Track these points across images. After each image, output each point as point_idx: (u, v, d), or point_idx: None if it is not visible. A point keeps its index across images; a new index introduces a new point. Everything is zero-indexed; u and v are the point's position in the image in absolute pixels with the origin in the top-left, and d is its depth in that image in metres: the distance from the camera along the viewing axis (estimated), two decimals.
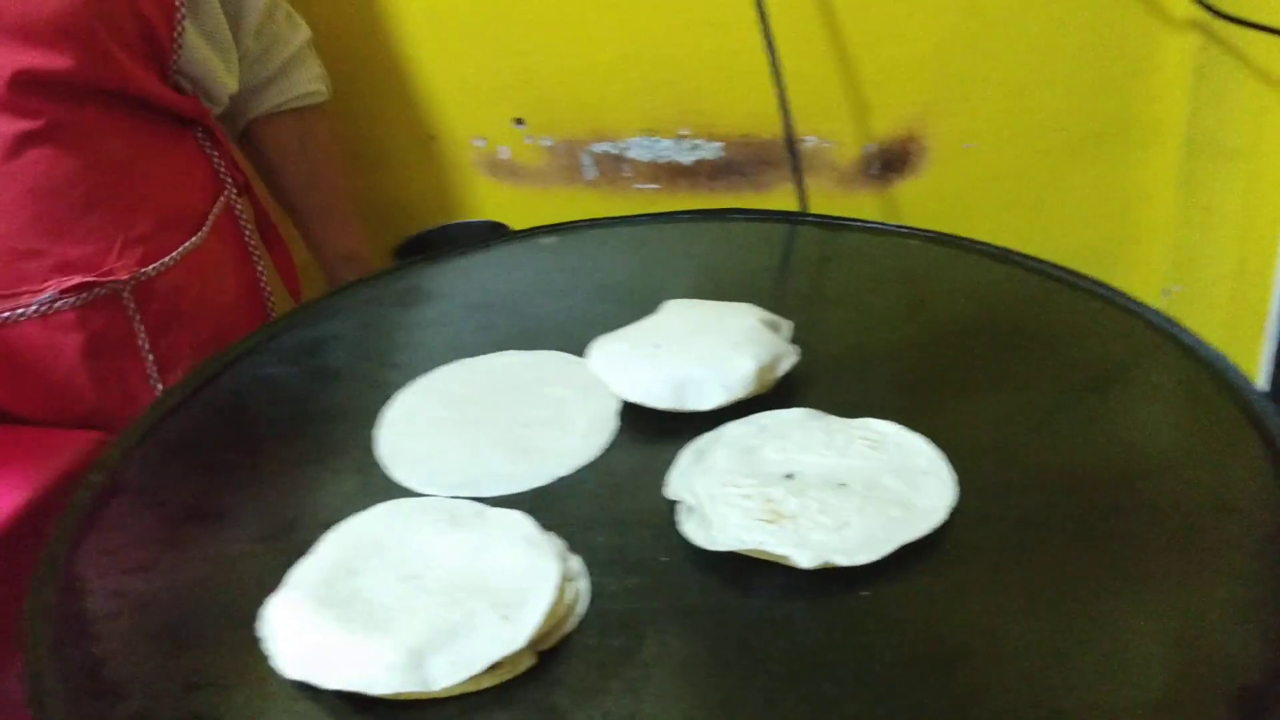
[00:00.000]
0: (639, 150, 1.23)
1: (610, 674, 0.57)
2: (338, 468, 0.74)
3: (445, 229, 1.22)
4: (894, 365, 0.81)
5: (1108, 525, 0.65)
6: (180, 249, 0.97)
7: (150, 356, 0.96)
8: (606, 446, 0.75)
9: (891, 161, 1.18)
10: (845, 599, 0.61)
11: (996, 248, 0.94)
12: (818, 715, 0.55)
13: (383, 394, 0.81)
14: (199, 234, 0.99)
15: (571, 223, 1.06)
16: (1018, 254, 0.93)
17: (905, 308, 0.89)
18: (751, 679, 0.57)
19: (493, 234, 1.19)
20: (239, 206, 1.06)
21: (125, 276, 0.92)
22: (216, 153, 1.03)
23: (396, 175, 1.31)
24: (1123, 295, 0.86)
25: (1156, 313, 0.83)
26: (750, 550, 0.63)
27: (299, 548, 0.66)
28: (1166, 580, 0.61)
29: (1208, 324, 1.03)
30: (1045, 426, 0.74)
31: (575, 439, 0.75)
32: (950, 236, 0.97)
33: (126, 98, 0.92)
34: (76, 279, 0.89)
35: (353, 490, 0.72)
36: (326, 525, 0.67)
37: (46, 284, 0.88)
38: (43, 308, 0.89)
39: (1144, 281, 1.17)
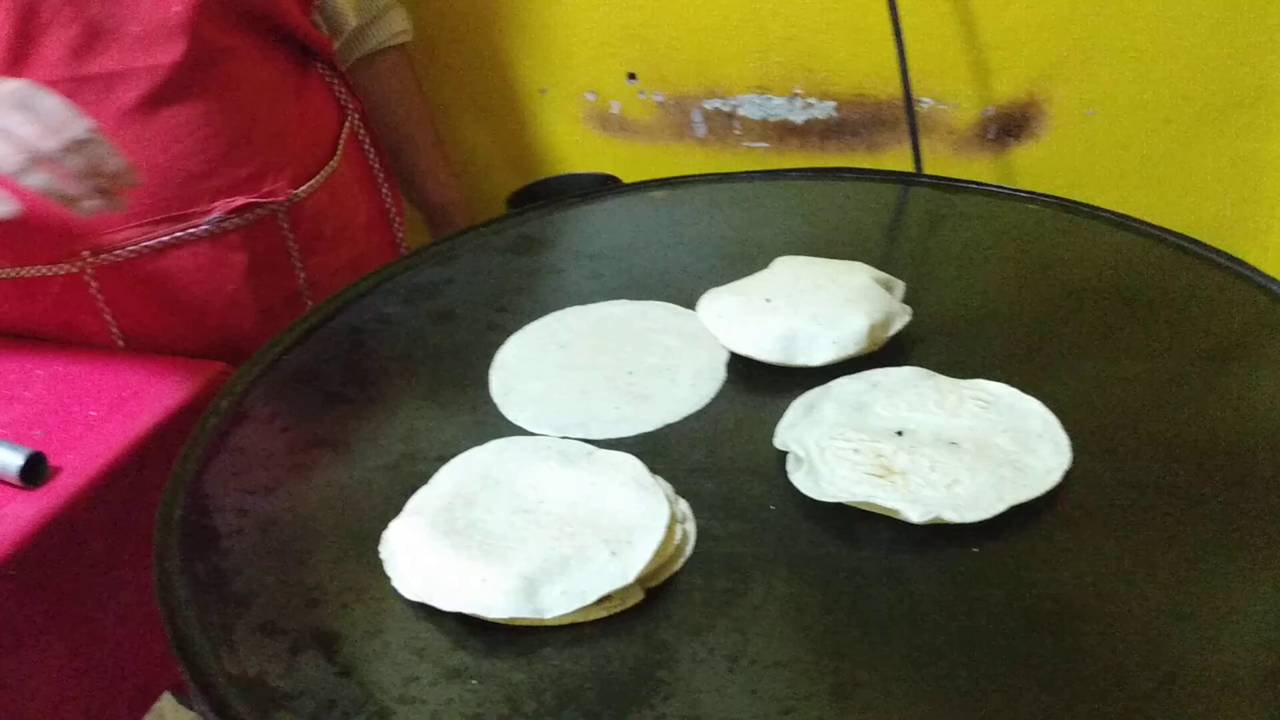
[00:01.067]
0: (750, 108, 1.23)
1: (717, 612, 0.58)
2: (452, 405, 0.76)
3: (557, 179, 1.24)
4: (1008, 328, 0.80)
5: (1224, 496, 0.64)
6: (322, 172, 1.01)
7: (302, 277, 1.00)
8: (714, 396, 0.75)
9: (1010, 126, 1.15)
10: (954, 555, 0.61)
11: (1116, 214, 0.92)
12: (924, 663, 0.55)
13: (495, 336, 0.83)
14: (335, 158, 1.04)
15: (682, 177, 1.06)
16: (1138, 221, 0.91)
17: (1021, 272, 0.88)
18: (859, 625, 0.57)
19: (603, 186, 1.20)
20: (362, 133, 1.10)
21: (283, 198, 0.97)
22: (337, 81, 1.07)
23: (509, 126, 1.32)
24: (1246, 266, 0.84)
25: None
26: (860, 503, 0.63)
27: (416, 477, 0.68)
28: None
29: None
30: (1163, 395, 0.72)
31: (684, 387, 0.76)
32: (1069, 202, 0.95)
33: (275, 29, 0.97)
34: (241, 200, 0.93)
35: (467, 426, 0.74)
36: (442, 459, 0.69)
37: (214, 205, 0.92)
38: (212, 228, 0.92)
39: (1269, 256, 1.13)
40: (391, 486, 0.68)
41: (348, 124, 1.07)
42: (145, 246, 0.91)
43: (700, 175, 1.06)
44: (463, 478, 0.67)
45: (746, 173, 1.05)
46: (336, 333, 0.86)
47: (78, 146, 0.74)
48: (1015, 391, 0.71)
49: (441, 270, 0.93)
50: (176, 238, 0.91)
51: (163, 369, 0.90)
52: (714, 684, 0.54)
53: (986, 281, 0.87)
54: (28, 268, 0.91)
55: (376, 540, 0.64)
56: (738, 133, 1.25)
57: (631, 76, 1.25)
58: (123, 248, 0.90)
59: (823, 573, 0.60)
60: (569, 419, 0.74)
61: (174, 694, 1.04)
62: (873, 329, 0.75)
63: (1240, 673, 0.53)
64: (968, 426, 0.68)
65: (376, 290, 0.91)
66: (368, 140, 1.10)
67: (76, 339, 0.95)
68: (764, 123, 1.23)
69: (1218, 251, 0.86)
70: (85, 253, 0.90)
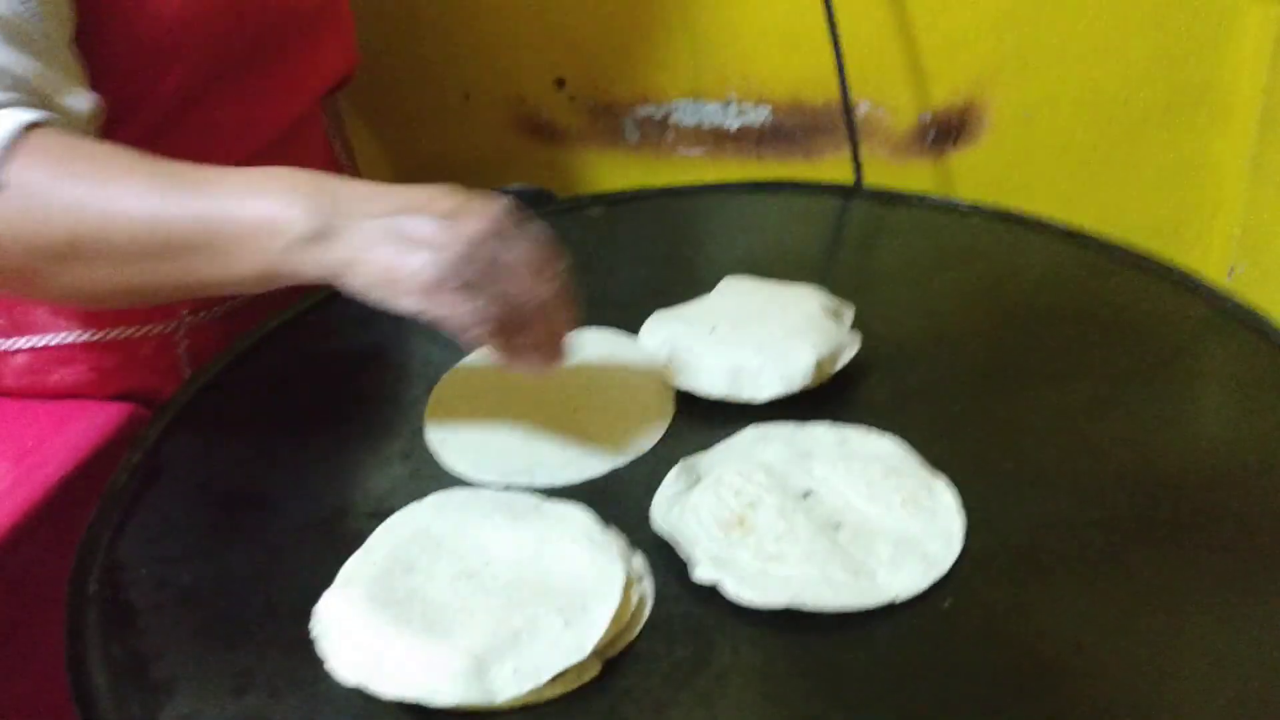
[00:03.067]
0: (683, 114, 1.19)
1: (680, 684, 0.55)
2: (386, 452, 0.72)
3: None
4: (960, 353, 0.78)
5: (1197, 533, 0.62)
6: None
7: None
8: (662, 435, 0.72)
9: (948, 130, 1.13)
10: (925, 609, 0.58)
11: (1061, 226, 0.91)
12: None
13: (429, 372, 0.78)
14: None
15: (619, 193, 1.02)
16: (1082, 233, 0.90)
17: (968, 290, 0.85)
18: (829, 693, 0.54)
19: (538, 202, 1.15)
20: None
21: None
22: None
23: (432, 134, 1.27)
24: (1197, 279, 0.82)
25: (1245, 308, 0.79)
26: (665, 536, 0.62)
27: (349, 537, 0.63)
28: (1262, 592, 0.58)
29: (1275, 304, 0.98)
30: (1122, 420, 0.70)
31: (631, 425, 0.72)
32: (1013, 214, 0.93)
33: None
34: None
35: (402, 476, 0.70)
36: (376, 514, 0.65)
37: None
38: None
39: (1209, 260, 1.13)
40: (323, 548, 0.64)
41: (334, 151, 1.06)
42: (242, 302, 0.87)
43: (637, 190, 1.02)
44: (400, 539, 0.62)
45: (685, 187, 1.02)
46: (257, 372, 0.81)
47: (547, 306, 0.64)
48: (957, 508, 0.64)
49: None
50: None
51: (68, 413, 0.84)
52: None
53: (934, 301, 0.84)
54: (114, 330, 0.84)
55: (308, 614, 0.59)
56: (671, 140, 1.21)
57: (560, 82, 1.20)
58: (221, 304, 0.84)
59: (788, 634, 0.57)
60: (510, 465, 0.70)
61: None
62: (820, 364, 0.72)
63: None
64: (871, 517, 0.63)
65: (300, 322, 0.85)
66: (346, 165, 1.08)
67: (145, 399, 0.87)
68: (698, 129, 1.20)
69: (1166, 264, 0.85)
70: (184, 312, 0.85)
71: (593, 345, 0.80)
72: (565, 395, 0.75)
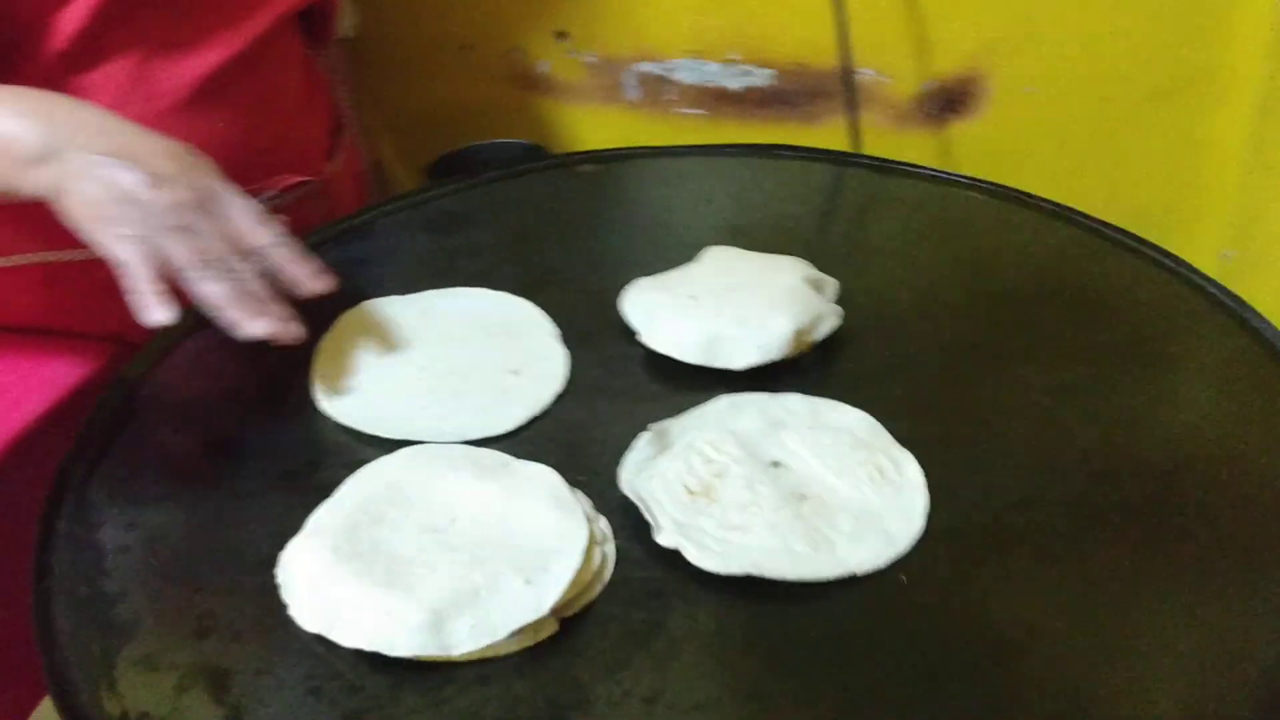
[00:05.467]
0: (685, 73, 1.18)
1: (634, 647, 0.55)
2: None
3: (480, 148, 1.18)
4: (942, 328, 0.78)
5: (1158, 517, 0.62)
6: (339, 148, 1.00)
7: None
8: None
9: (950, 101, 1.12)
10: (882, 583, 0.59)
11: (1055, 204, 0.90)
12: (852, 704, 0.53)
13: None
14: (343, 133, 1.01)
15: (611, 150, 1.01)
16: (1077, 213, 0.89)
17: (956, 266, 0.85)
18: (781, 663, 0.55)
19: (529, 157, 1.15)
20: (347, 108, 1.07)
21: (325, 175, 0.94)
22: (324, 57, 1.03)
23: (429, 85, 1.25)
24: (1185, 264, 0.82)
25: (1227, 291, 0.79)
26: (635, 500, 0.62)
27: (320, 488, 0.64)
28: (1220, 581, 0.58)
29: (1264, 291, 0.98)
30: (1097, 403, 0.70)
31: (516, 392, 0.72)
32: (1008, 189, 0.92)
33: (305, 13, 0.93)
34: (294, 178, 0.90)
35: None
36: (348, 465, 0.65)
37: (268, 182, 0.87)
38: (265, 204, 0.86)
39: (1201, 244, 1.12)
40: (291, 498, 0.64)
41: (337, 100, 1.04)
42: None
43: (630, 149, 1.01)
44: (369, 491, 0.63)
45: (678, 147, 1.01)
46: None
47: (262, 261, 0.69)
48: (922, 484, 0.64)
49: (354, 248, 0.88)
50: None
51: (46, 351, 0.84)
52: None
53: (920, 276, 0.84)
54: (71, 251, 0.82)
55: (273, 561, 0.60)
56: (672, 98, 1.20)
57: (561, 35, 1.19)
58: None
59: (745, 603, 0.58)
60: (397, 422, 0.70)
61: None
62: (798, 333, 0.72)
63: None
64: (837, 490, 0.63)
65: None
66: (349, 114, 1.07)
67: (105, 333, 0.87)
68: (699, 88, 1.19)
69: (1154, 246, 0.84)
70: None
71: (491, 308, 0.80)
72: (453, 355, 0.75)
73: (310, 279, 0.71)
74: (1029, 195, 0.91)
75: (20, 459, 0.76)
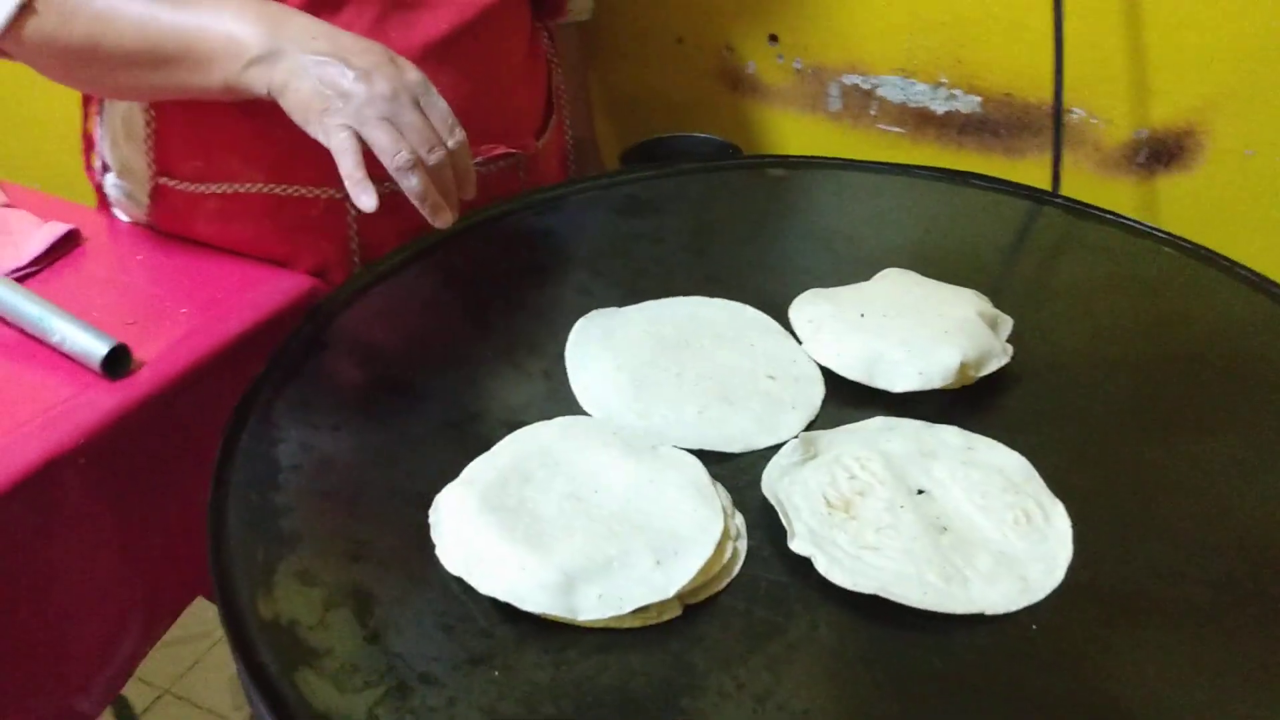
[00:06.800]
0: (890, 89, 1.18)
1: (753, 645, 0.57)
2: (526, 368, 0.75)
3: (676, 139, 1.20)
4: (1111, 384, 0.76)
5: None
6: (550, 126, 1.04)
7: None
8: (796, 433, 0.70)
9: (1161, 153, 1.08)
10: (1010, 628, 0.58)
11: (1254, 273, 0.86)
12: None
13: (584, 301, 0.81)
14: (554, 113, 1.05)
15: (804, 158, 1.02)
16: (1275, 284, 0.85)
17: (1139, 321, 0.83)
18: (896, 689, 0.55)
19: (723, 154, 1.17)
20: (561, 87, 1.09)
21: (530, 150, 0.98)
22: (546, 36, 1.06)
23: (639, 72, 1.29)
24: None
25: None
26: (776, 504, 0.63)
27: (479, 440, 0.67)
28: None
29: None
30: (1262, 485, 0.68)
31: (779, 414, 0.72)
32: (1206, 251, 0.89)
33: None
34: (501, 149, 0.95)
35: (538, 394, 0.73)
36: (507, 424, 0.69)
37: (479, 149, 0.91)
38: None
39: None
40: (452, 446, 0.68)
41: (554, 79, 1.07)
42: None
43: (823, 158, 1.02)
44: (523, 451, 0.66)
45: (871, 163, 1.01)
46: (428, 271, 0.86)
47: (453, 157, 0.76)
48: (1068, 537, 0.63)
49: (544, 219, 0.92)
50: None
51: (256, 276, 0.91)
52: None
53: (1100, 326, 0.82)
54: (292, 186, 0.91)
55: (428, 501, 0.64)
56: (874, 114, 1.20)
57: (773, 38, 1.20)
58: (391, 180, 0.91)
59: (869, 626, 0.58)
60: (639, 419, 0.70)
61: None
62: (964, 366, 0.72)
63: None
64: (980, 528, 0.63)
65: (474, 231, 0.90)
66: (564, 95, 1.10)
67: (306, 265, 0.94)
68: (903, 107, 1.18)
69: None
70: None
71: (745, 324, 0.79)
72: (712, 366, 0.75)
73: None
74: (1229, 260, 0.88)
75: (215, 371, 0.83)
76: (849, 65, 1.18)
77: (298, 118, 0.74)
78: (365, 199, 0.72)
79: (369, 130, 0.72)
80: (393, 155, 0.72)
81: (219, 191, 0.91)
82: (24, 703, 0.75)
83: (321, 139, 0.74)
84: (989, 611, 0.59)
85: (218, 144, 0.89)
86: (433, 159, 0.74)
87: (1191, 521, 0.65)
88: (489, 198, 0.92)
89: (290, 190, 0.90)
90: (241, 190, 0.91)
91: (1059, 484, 0.66)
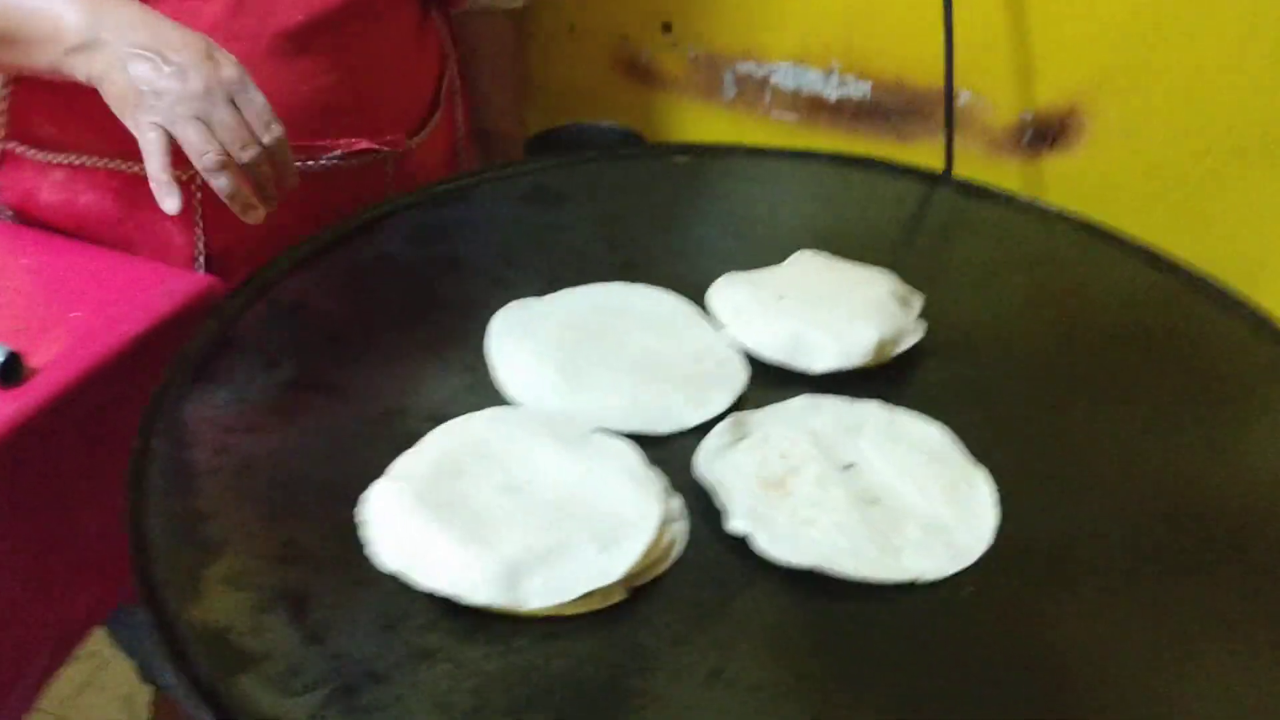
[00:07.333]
0: (784, 77, 1.19)
1: (700, 624, 0.57)
2: (450, 361, 0.74)
3: (578, 128, 1.20)
4: (1019, 357, 0.79)
5: (1225, 565, 0.63)
6: (429, 125, 1.00)
7: None
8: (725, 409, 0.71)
9: (1046, 133, 1.12)
10: (944, 595, 0.60)
11: (1140, 244, 0.90)
12: (902, 704, 0.54)
13: (501, 292, 0.80)
14: (438, 111, 1.02)
15: (707, 145, 1.03)
16: (1162, 254, 0.89)
17: (1038, 295, 0.86)
18: (843, 657, 0.56)
19: (626, 142, 1.17)
20: (456, 84, 1.07)
21: (400, 148, 0.95)
22: (444, 29, 1.04)
23: (538, 61, 1.28)
24: (1266, 314, 0.82)
25: None
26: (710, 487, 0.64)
27: (405, 435, 0.66)
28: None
29: None
30: (1174, 448, 0.71)
31: (705, 394, 0.72)
32: (1095, 225, 0.93)
33: None
34: (363, 143, 0.91)
35: (462, 386, 0.72)
36: (434, 419, 0.67)
37: (337, 143, 0.90)
38: (328, 165, 0.90)
39: None
40: (376, 442, 0.66)
41: (447, 74, 1.05)
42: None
43: (726, 145, 1.03)
44: (453, 444, 0.65)
45: (773, 149, 1.02)
46: (335, 266, 0.83)
47: (268, 154, 0.74)
48: (992, 503, 0.65)
49: (451, 212, 0.90)
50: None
51: (147, 276, 0.87)
52: (688, 700, 0.53)
53: (1003, 301, 0.85)
54: (140, 164, 0.84)
55: (354, 500, 0.62)
56: (768, 101, 1.21)
57: (666, 27, 1.21)
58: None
59: (810, 599, 0.59)
60: (566, 403, 0.71)
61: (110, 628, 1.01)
62: (881, 344, 0.73)
63: None
64: (908, 498, 0.64)
65: (380, 225, 0.88)
66: (459, 90, 1.07)
67: (149, 247, 0.90)
68: (796, 94, 1.20)
69: (1241, 297, 0.84)
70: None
71: (663, 307, 0.80)
72: (637, 351, 0.75)
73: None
74: (1116, 233, 0.92)
75: (116, 374, 0.79)
76: (743, 53, 1.19)
77: (115, 109, 0.74)
78: (169, 201, 0.72)
79: (179, 128, 0.72)
80: (200, 155, 0.72)
81: (67, 163, 0.88)
82: None
83: (135, 134, 0.73)
84: (923, 578, 0.60)
85: (74, 113, 0.86)
86: (245, 156, 0.73)
87: (1107, 483, 0.67)
88: (348, 195, 0.91)
89: (138, 168, 0.85)
90: (89, 164, 0.88)
91: (979, 452, 0.68)
